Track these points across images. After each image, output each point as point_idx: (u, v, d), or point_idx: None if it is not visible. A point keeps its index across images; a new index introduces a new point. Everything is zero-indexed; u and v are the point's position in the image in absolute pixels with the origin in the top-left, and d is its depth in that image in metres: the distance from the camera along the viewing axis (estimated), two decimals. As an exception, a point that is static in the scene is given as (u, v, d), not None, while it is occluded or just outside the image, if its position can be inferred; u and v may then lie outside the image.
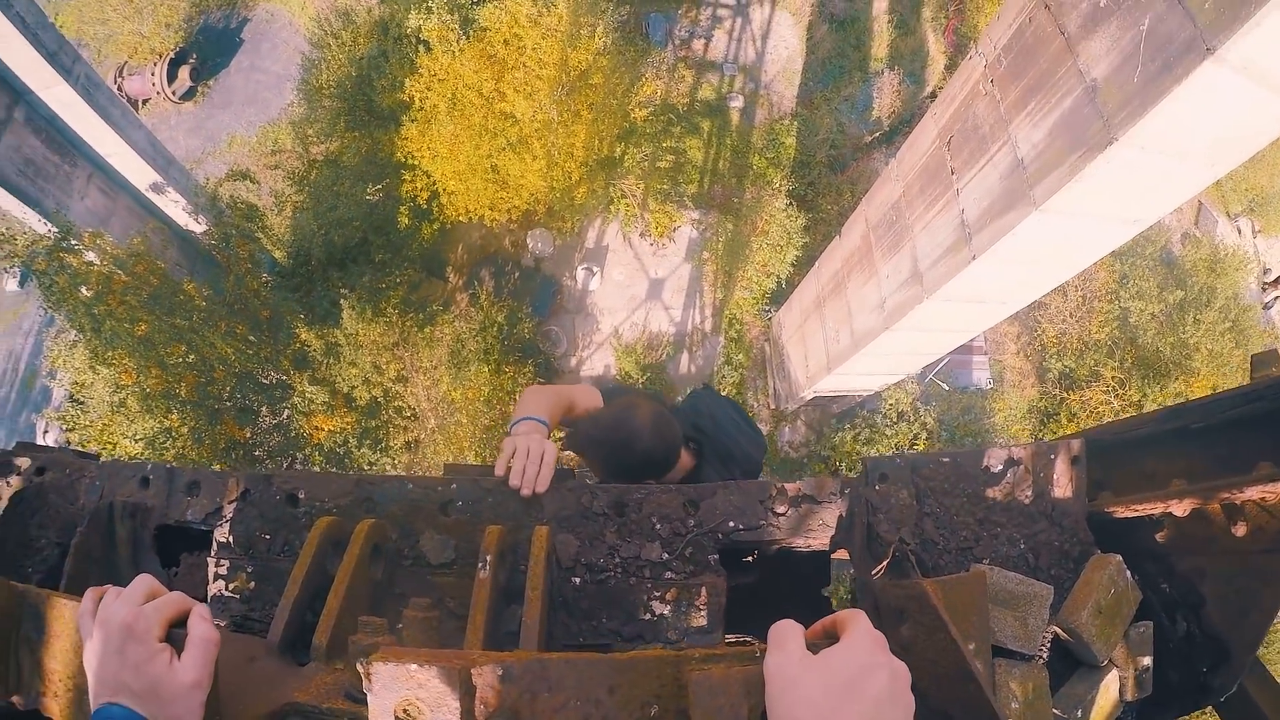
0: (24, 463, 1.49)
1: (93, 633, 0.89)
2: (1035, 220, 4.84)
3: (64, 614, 1.00)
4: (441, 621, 1.21)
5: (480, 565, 1.21)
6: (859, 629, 0.77)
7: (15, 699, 1.01)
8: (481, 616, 1.13)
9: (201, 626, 0.91)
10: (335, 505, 1.38)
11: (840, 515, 1.43)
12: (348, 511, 1.36)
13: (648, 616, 1.33)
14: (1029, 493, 1.41)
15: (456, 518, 1.38)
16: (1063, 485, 1.42)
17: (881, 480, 1.40)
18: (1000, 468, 1.42)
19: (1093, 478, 1.45)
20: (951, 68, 11.95)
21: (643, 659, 0.85)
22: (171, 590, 0.97)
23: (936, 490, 1.41)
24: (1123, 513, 1.38)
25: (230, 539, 1.37)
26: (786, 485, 1.43)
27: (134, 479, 1.44)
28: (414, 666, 0.76)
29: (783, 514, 1.43)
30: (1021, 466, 1.42)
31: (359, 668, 0.84)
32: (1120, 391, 10.56)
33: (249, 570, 1.35)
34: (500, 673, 0.81)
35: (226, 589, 1.34)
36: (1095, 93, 4.30)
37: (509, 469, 1.46)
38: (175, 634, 0.90)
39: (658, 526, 1.40)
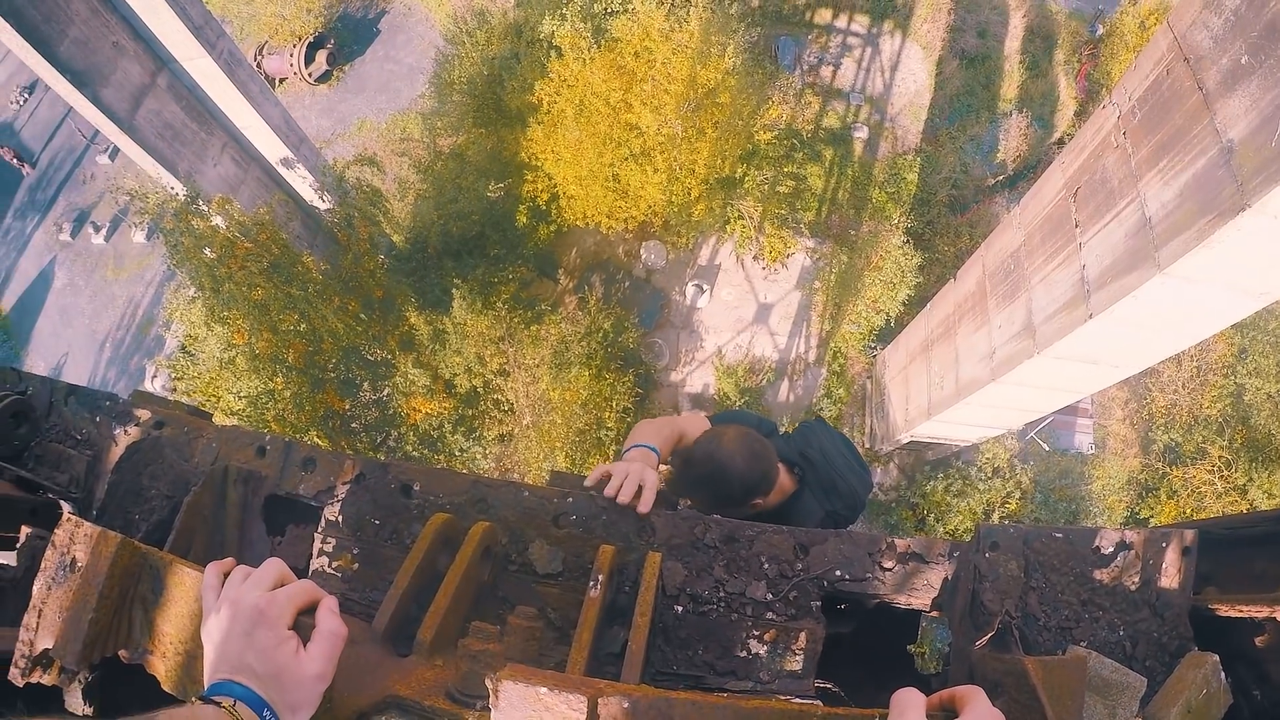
0: (144, 415, 1.53)
1: (219, 609, 0.89)
2: (1158, 283, 4.58)
3: (185, 581, 1.01)
4: (543, 633, 1.21)
5: (592, 584, 1.20)
6: (979, 707, 0.83)
7: (122, 653, 1.03)
8: (588, 635, 1.12)
9: (331, 620, 0.91)
10: (449, 502, 1.38)
11: (945, 577, 1.40)
12: (461, 510, 1.37)
13: (743, 654, 1.32)
14: (1136, 579, 1.36)
15: (568, 531, 1.39)
16: (1170, 575, 1.36)
17: (992, 548, 1.37)
18: (1111, 550, 1.37)
19: (1200, 571, 1.40)
20: (1082, 114, 11.49)
21: (767, 709, 0.86)
22: (296, 573, 0.96)
23: (1045, 565, 1.37)
24: (1226, 611, 1.33)
25: (340, 518, 1.38)
26: (896, 541, 1.41)
27: (251, 447, 1.46)
28: (543, 690, 0.75)
29: (889, 569, 1.42)
30: (1132, 551, 1.37)
31: (487, 683, 0.84)
32: (1226, 473, 9.97)
33: (354, 552, 1.35)
34: (626, 706, 0.80)
35: (330, 566, 1.34)
36: (1231, 154, 4.03)
37: (605, 481, 1.47)
38: (302, 622, 0.90)
39: (765, 566, 1.39)
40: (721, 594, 1.35)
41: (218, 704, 0.81)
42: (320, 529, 1.38)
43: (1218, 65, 4.17)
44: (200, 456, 1.47)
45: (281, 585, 0.93)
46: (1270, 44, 3.73)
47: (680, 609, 1.33)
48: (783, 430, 2.74)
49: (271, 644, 0.85)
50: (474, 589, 1.22)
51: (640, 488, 1.44)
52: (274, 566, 0.94)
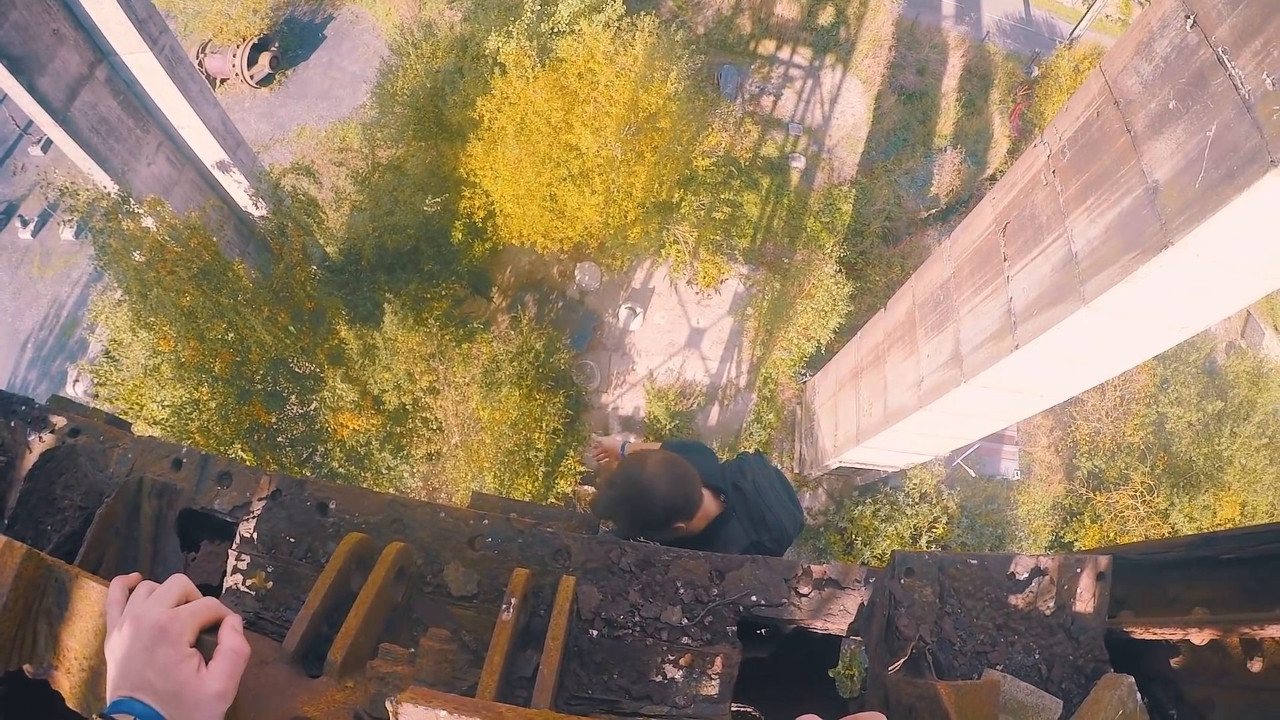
0: (60, 421, 1.49)
1: (122, 624, 0.88)
2: (1083, 316, 4.79)
3: (90, 596, 0.99)
4: (456, 655, 1.22)
5: (504, 606, 1.20)
6: None
7: (26, 667, 1.01)
8: (499, 658, 1.12)
9: (234, 638, 0.90)
10: (365, 521, 1.38)
11: (861, 603, 1.43)
12: (376, 530, 1.37)
13: (659, 679, 1.32)
14: (1051, 604, 1.41)
15: (484, 553, 1.39)
16: (1085, 600, 1.40)
17: (908, 574, 1.40)
18: (1026, 575, 1.42)
19: (1115, 595, 1.45)
20: (1015, 152, 11.96)
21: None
22: (180, 574, 0.95)
23: (960, 591, 1.40)
24: (1140, 634, 1.37)
25: (254, 535, 1.37)
26: (813, 567, 1.43)
27: (167, 459, 1.44)
28: (443, 714, 0.75)
29: (806, 594, 1.44)
30: (1047, 577, 1.41)
31: (387, 705, 0.84)
32: (1148, 498, 10.39)
33: (269, 570, 1.34)
34: (528, 734, 0.80)
35: (243, 584, 1.34)
36: (1156, 194, 4.24)
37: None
38: (204, 640, 0.89)
39: (681, 591, 1.41)
40: (637, 618, 1.37)
41: None
42: (235, 545, 1.37)
43: (1146, 109, 4.37)
44: (115, 467, 1.45)
45: (186, 602, 0.92)
46: (1197, 90, 3.94)
47: (595, 633, 1.34)
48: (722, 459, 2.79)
49: (172, 661, 0.85)
50: (387, 610, 1.22)
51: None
52: (178, 583, 0.93)
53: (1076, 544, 10.82)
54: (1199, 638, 1.24)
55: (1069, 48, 13.44)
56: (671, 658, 1.33)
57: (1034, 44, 14.25)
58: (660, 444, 2.52)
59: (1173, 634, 1.29)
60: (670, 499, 2.13)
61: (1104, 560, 1.41)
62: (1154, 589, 1.48)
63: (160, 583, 0.95)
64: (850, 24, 12.12)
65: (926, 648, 1.34)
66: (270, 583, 1.33)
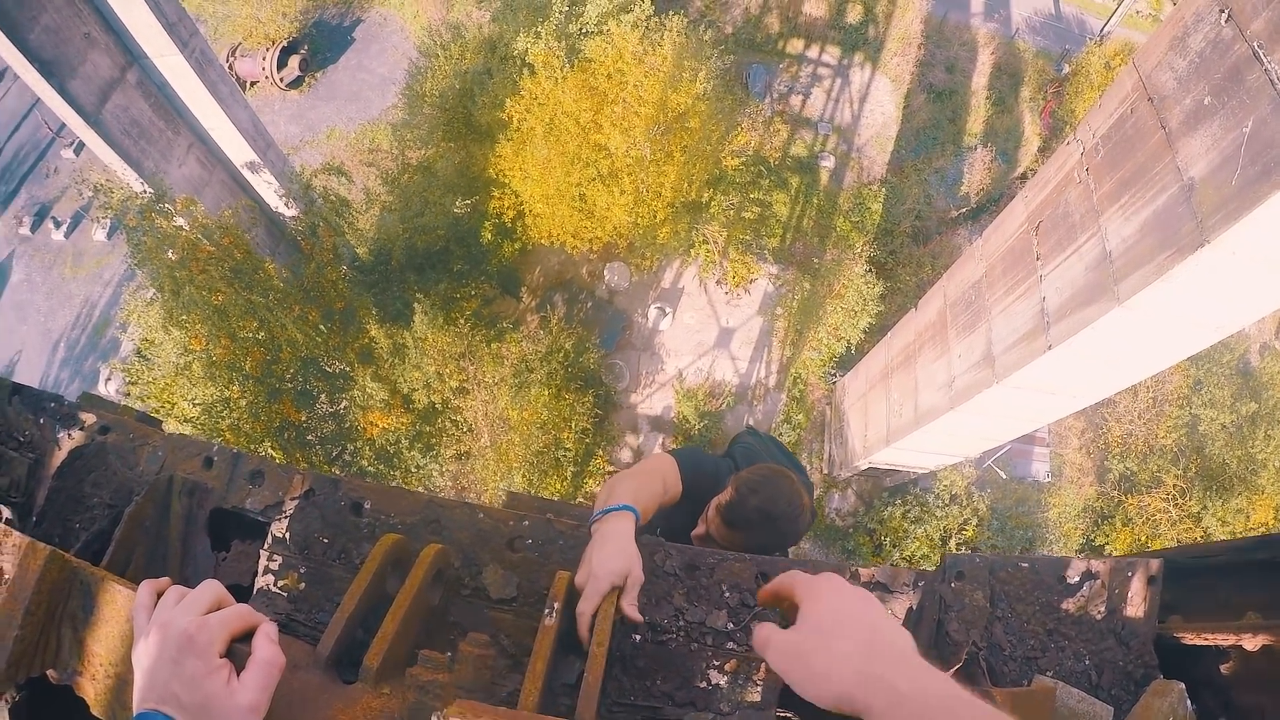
0: (89, 419, 1.47)
1: (149, 632, 0.85)
2: (1117, 316, 4.74)
3: (117, 600, 0.96)
4: (496, 660, 1.17)
5: (547, 612, 1.16)
6: (809, 585, 0.86)
7: (50, 673, 0.98)
8: (541, 665, 1.08)
9: (268, 649, 0.86)
10: (401, 522, 1.34)
11: (910, 607, 1.39)
12: (413, 531, 1.33)
13: (703, 684, 1.28)
14: (1101, 608, 1.36)
15: (524, 555, 1.35)
16: (1135, 604, 1.37)
17: (958, 578, 1.36)
18: (1077, 579, 1.37)
19: (1164, 599, 1.40)
20: (1045, 150, 11.79)
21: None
22: (212, 578, 0.92)
23: (1011, 595, 1.36)
24: (1191, 639, 1.33)
25: (287, 535, 1.33)
26: (860, 570, 1.39)
27: (198, 457, 1.41)
28: None
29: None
30: (1098, 581, 1.37)
31: (434, 718, 0.81)
32: (1180, 501, 10.21)
33: (301, 571, 1.30)
34: (576, 748, 0.73)
35: (275, 585, 1.30)
36: (1191, 192, 4.16)
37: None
38: (237, 649, 0.86)
39: (727, 594, 1.37)
40: (682, 623, 1.33)
41: None
42: (266, 546, 1.34)
43: (1181, 105, 4.29)
44: (145, 465, 1.42)
45: (218, 609, 0.88)
46: (1233, 86, 3.85)
47: (639, 637, 1.30)
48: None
49: (201, 672, 0.80)
50: (424, 614, 1.18)
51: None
52: (209, 589, 0.90)
53: (1108, 547, 10.65)
54: (1251, 643, 1.20)
55: (1100, 44, 13.23)
56: (716, 663, 1.29)
57: (1064, 41, 14.04)
58: (668, 451, 2.38)
59: (1224, 639, 1.26)
60: (804, 529, 2.06)
61: (1155, 564, 1.38)
62: (1205, 593, 1.44)
63: (191, 586, 0.93)
64: (879, 22, 12.01)
65: (979, 653, 1.30)
66: (303, 584, 1.30)
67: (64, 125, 12.27)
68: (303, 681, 0.97)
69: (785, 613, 0.91)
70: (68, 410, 1.48)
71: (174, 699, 0.80)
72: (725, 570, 1.37)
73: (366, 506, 1.34)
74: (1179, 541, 10.33)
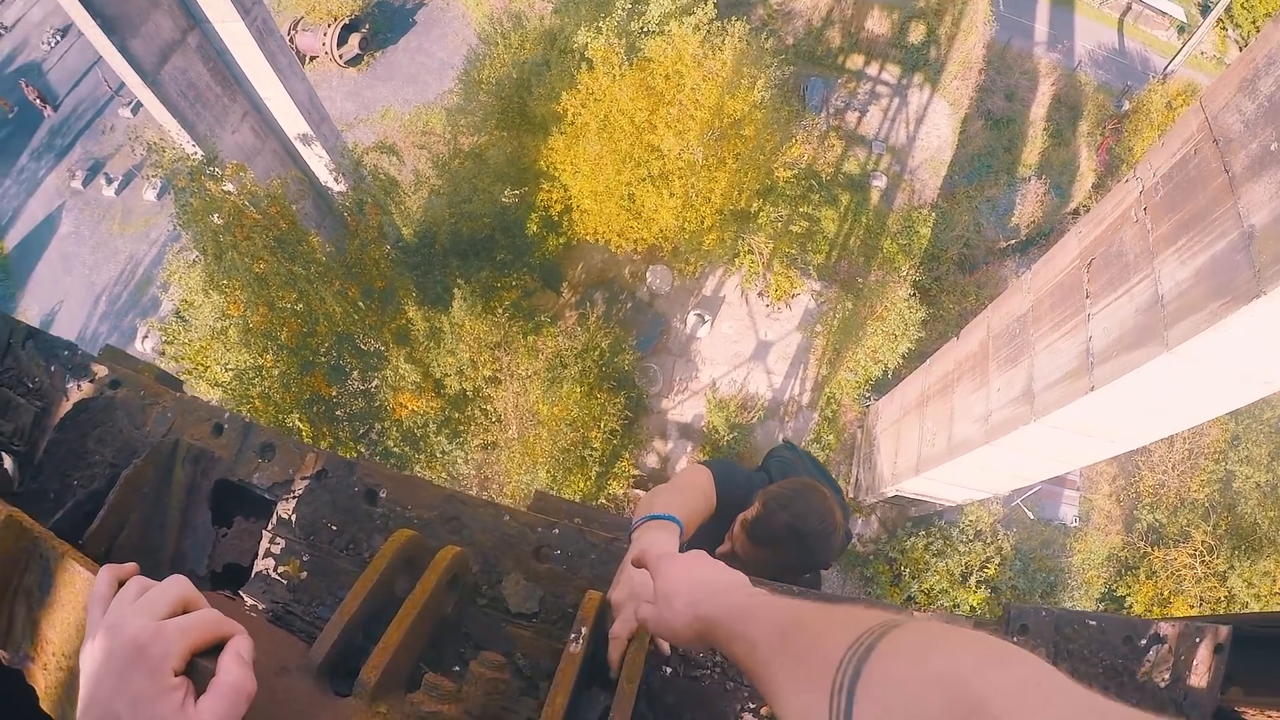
0: (101, 371, 1.37)
1: (97, 633, 0.71)
2: (1164, 362, 4.59)
3: (75, 582, 0.84)
4: (510, 684, 1.04)
5: (573, 636, 1.05)
6: (654, 565, 1.05)
7: (1, 653, 0.87)
8: (562, 700, 0.97)
9: (237, 671, 0.70)
10: (417, 517, 1.23)
11: None
12: (429, 528, 1.22)
13: None
14: (1166, 675, 1.26)
15: (550, 566, 1.23)
16: (1200, 673, 1.27)
17: (1021, 631, 1.27)
18: (1144, 642, 1.28)
19: (1226, 669, 1.30)
20: (1100, 188, 11.55)
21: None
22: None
23: (1075, 654, 1.26)
24: (1252, 715, 1.25)
25: (293, 517, 1.23)
26: (916, 614, 1.27)
27: (208, 422, 1.30)
28: None
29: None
30: (1165, 646, 1.27)
31: None
32: (1207, 559, 9.96)
33: (304, 558, 1.19)
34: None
35: (275, 570, 1.19)
36: (1251, 240, 4.02)
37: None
38: (200, 666, 0.70)
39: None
40: (717, 659, 1.23)
41: None
42: (270, 526, 1.23)
43: (1246, 149, 4.15)
44: (153, 426, 1.32)
45: (183, 611, 0.73)
46: None
47: (670, 670, 1.21)
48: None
49: (148, 693, 0.66)
50: (434, 623, 1.07)
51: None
52: (174, 586, 0.75)
53: (1129, 600, 10.42)
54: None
55: (1162, 82, 12.96)
56: (752, 706, 1.19)
57: (1126, 76, 13.78)
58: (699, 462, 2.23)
59: (1289, 717, 1.14)
60: (838, 554, 1.95)
61: (1224, 631, 1.29)
62: (1269, 666, 1.33)
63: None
64: (941, 44, 11.85)
65: None
66: (304, 573, 1.19)
67: (123, 84, 12.50)
68: (289, 688, 0.86)
69: None
70: (80, 360, 1.39)
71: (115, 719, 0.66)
72: None
73: (382, 495, 1.24)
74: (1202, 600, 10.09)
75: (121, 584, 0.76)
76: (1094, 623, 1.28)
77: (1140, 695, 1.26)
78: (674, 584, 0.99)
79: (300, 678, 0.89)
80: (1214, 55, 15.24)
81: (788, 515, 1.89)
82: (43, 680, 0.85)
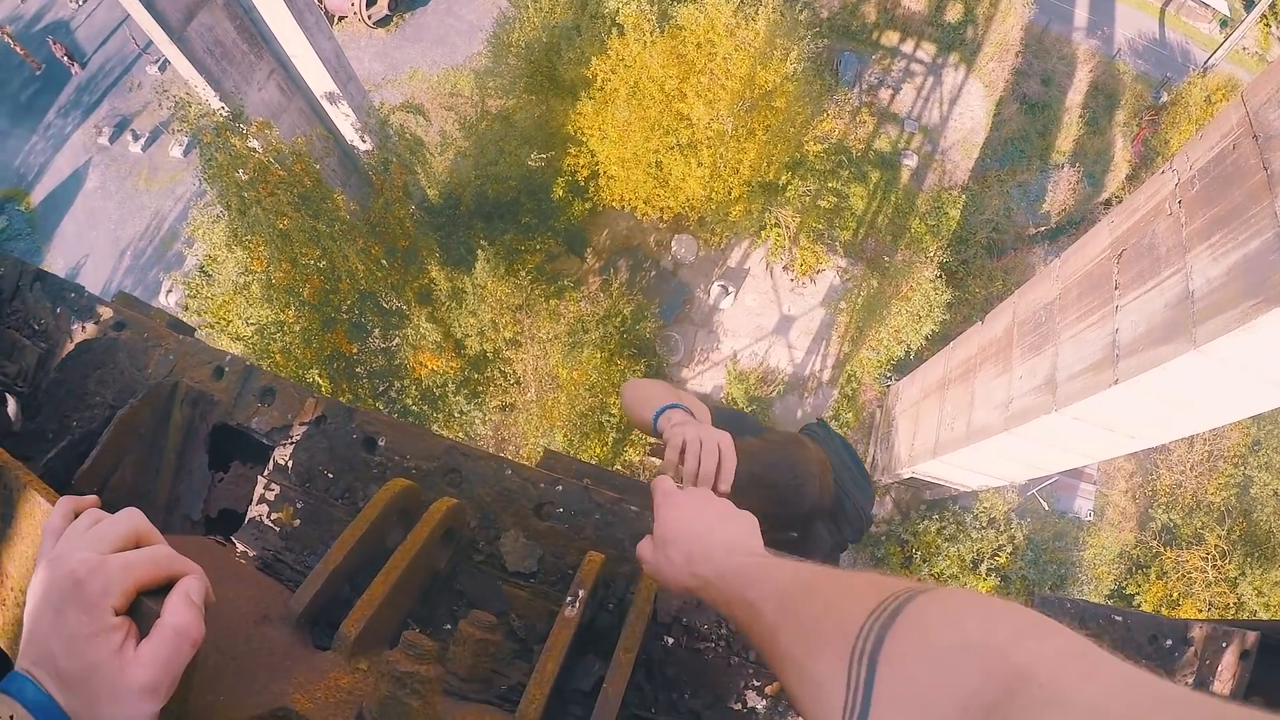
0: (106, 313, 1.35)
1: (40, 566, 0.65)
2: (1190, 360, 4.53)
3: (35, 514, 0.78)
4: (501, 645, 1.02)
5: (569, 600, 1.01)
6: (657, 504, 1.02)
7: None
8: (553, 666, 0.93)
9: (182, 612, 0.63)
10: (416, 467, 1.19)
11: None
12: (428, 479, 1.18)
13: (738, 706, 1.11)
14: (1190, 679, 1.22)
15: (552, 525, 1.18)
16: (1224, 679, 1.22)
17: None
18: (1170, 643, 1.25)
19: (1250, 677, 1.25)
20: (1134, 179, 11.34)
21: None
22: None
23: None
24: None
25: (290, 463, 1.19)
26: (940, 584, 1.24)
27: (209, 365, 1.28)
28: None
29: None
30: (1191, 649, 1.23)
31: None
32: (1219, 563, 9.89)
33: (298, 505, 1.17)
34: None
35: (268, 517, 1.16)
36: None
37: (679, 469, 1.24)
38: (145, 606, 0.64)
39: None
40: (723, 631, 1.16)
41: None
42: (266, 472, 1.20)
43: None
44: (155, 368, 1.30)
45: (135, 547, 0.67)
46: None
47: (671, 641, 1.14)
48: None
49: (84, 631, 0.60)
50: (425, 576, 1.03)
51: (720, 458, 1.23)
52: (125, 519, 0.68)
53: (1138, 599, 10.38)
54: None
55: (1202, 76, 12.67)
56: (757, 684, 1.13)
57: (1165, 67, 13.45)
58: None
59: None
60: (819, 503, 1.84)
61: (1251, 637, 1.23)
62: None
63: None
64: (978, 24, 11.61)
65: None
66: (298, 520, 1.15)
67: (150, 41, 12.51)
68: (266, 638, 0.82)
69: None
70: (86, 302, 1.38)
71: (50, 661, 0.61)
72: None
73: (381, 443, 1.20)
74: (1210, 604, 10.04)
75: (78, 515, 0.71)
76: (1120, 619, 1.25)
77: (1163, 697, 1.23)
78: (672, 530, 0.95)
79: (278, 628, 0.86)
80: (1256, 51, 14.85)
81: (755, 466, 1.81)
82: (1, 616, 0.79)
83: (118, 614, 0.62)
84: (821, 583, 0.70)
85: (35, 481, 0.81)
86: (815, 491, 1.84)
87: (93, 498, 0.73)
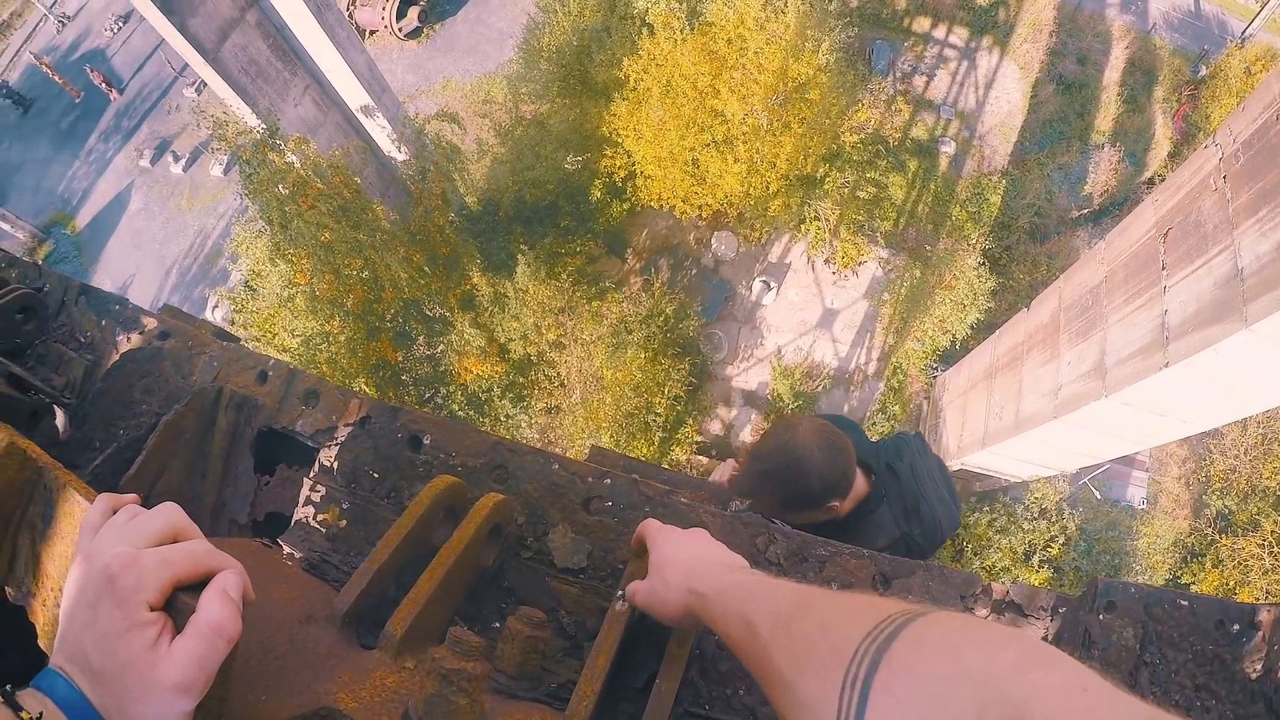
0: (150, 323, 1.38)
1: (75, 562, 0.64)
2: (1242, 339, 4.39)
3: (74, 513, 0.78)
4: (550, 642, 1.01)
5: (620, 595, 0.99)
6: (652, 538, 0.99)
7: (7, 589, 0.83)
8: (604, 662, 0.91)
9: (218, 608, 0.61)
10: (462, 464, 1.19)
11: (1045, 636, 1.22)
12: (474, 476, 1.17)
13: None
14: (1258, 666, 1.17)
15: (601, 519, 1.16)
16: None
17: (1108, 609, 1.17)
18: (1238, 628, 1.19)
19: None
20: (1176, 156, 11.05)
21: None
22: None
23: (1163, 637, 1.18)
24: None
25: (335, 465, 1.19)
26: (994, 585, 1.22)
27: (253, 370, 1.29)
28: None
29: (982, 617, 1.23)
30: (1260, 634, 1.18)
31: None
32: (1276, 549, 9.60)
33: (344, 506, 1.17)
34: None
35: (314, 519, 1.17)
36: None
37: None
38: (181, 602, 0.62)
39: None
40: None
41: (17, 710, 0.57)
42: (312, 474, 1.20)
43: None
44: (200, 375, 1.32)
45: (172, 542, 0.66)
46: None
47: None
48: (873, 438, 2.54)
49: (118, 628, 0.59)
50: (472, 575, 1.02)
51: None
52: (162, 513, 0.68)
53: (1194, 587, 10.11)
54: None
55: (1240, 47, 12.30)
56: None
57: (1202, 40, 13.08)
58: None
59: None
60: (827, 472, 1.87)
61: None
62: None
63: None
64: (1010, 5, 11.42)
65: None
66: (344, 521, 1.15)
67: (185, 65, 12.79)
68: (310, 638, 0.82)
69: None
70: (131, 313, 1.41)
71: (82, 657, 0.59)
72: (838, 566, 1.20)
73: (426, 442, 1.20)
74: (1268, 593, 9.77)
75: (111, 512, 0.70)
76: (1185, 603, 1.20)
77: (1230, 686, 1.18)
78: (668, 556, 0.94)
79: (323, 628, 0.86)
80: (1294, 18, 14.39)
81: (756, 464, 1.92)
82: (41, 617, 0.79)
83: (153, 610, 0.61)
84: (818, 602, 0.69)
85: (75, 480, 0.81)
86: (820, 463, 1.88)
87: (132, 495, 0.72)
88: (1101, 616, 1.17)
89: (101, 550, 0.63)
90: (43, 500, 0.81)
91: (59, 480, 0.81)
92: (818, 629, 0.63)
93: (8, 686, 0.59)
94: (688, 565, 0.91)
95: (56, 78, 14.81)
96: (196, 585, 0.64)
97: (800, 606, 0.70)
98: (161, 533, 0.66)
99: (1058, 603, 1.23)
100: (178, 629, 0.61)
